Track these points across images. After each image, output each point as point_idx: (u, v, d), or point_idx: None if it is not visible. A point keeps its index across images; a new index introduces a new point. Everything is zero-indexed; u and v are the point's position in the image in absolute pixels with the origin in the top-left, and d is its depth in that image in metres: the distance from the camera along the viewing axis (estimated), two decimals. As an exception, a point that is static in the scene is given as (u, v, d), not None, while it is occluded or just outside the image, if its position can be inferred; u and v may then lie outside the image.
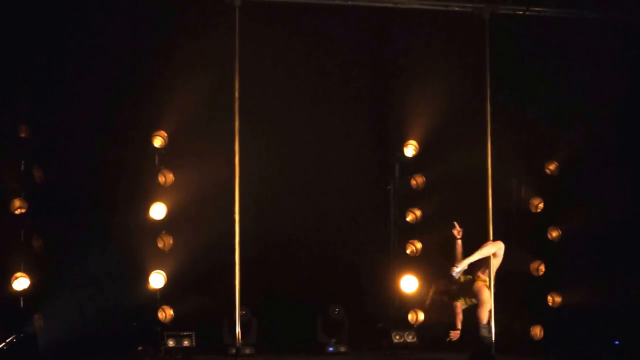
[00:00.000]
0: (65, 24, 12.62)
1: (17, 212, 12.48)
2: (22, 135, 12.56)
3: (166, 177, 12.85)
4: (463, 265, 11.71)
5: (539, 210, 13.83)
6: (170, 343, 12.67)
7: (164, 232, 12.82)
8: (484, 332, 11.71)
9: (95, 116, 12.76)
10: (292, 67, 13.38)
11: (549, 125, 13.75)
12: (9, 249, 12.43)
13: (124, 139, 12.86)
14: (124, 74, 12.79)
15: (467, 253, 11.85)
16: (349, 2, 12.57)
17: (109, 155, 12.82)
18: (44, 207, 12.59)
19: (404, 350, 13.22)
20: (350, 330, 13.40)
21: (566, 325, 13.44)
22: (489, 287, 11.85)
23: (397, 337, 13.33)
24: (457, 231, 11.99)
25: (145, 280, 12.71)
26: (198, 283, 12.87)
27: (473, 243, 11.93)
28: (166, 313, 12.71)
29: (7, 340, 10.86)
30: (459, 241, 11.96)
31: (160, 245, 12.80)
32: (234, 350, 11.94)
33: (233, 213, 11.76)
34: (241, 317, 11.92)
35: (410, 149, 13.75)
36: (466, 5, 12.58)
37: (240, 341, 11.86)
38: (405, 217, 13.70)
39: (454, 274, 11.65)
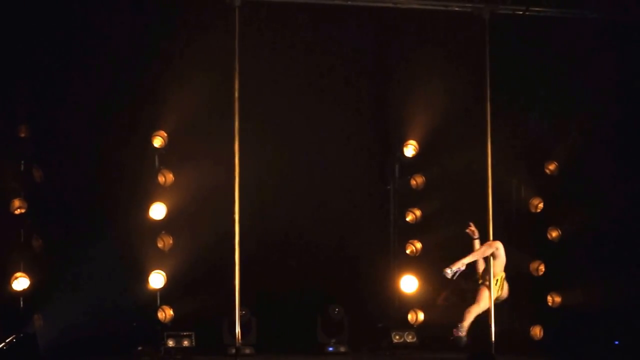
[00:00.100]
0: (65, 23, 12.62)
1: (17, 212, 12.49)
2: (22, 135, 12.57)
3: (166, 177, 12.85)
4: (458, 265, 11.68)
5: (538, 210, 13.83)
6: (170, 343, 12.67)
7: (163, 232, 12.82)
8: (459, 331, 11.66)
9: (95, 116, 12.76)
10: (292, 67, 13.39)
11: (549, 125, 13.75)
12: (8, 249, 12.44)
13: (124, 139, 12.85)
14: (123, 74, 12.79)
15: (467, 254, 11.85)
16: (349, 2, 12.58)
17: (108, 155, 12.81)
18: (43, 207, 12.60)
19: (404, 350, 13.22)
20: (350, 330, 13.40)
21: (566, 325, 13.43)
22: (501, 288, 11.82)
23: (397, 337, 13.34)
24: (472, 230, 11.94)
25: (145, 280, 12.71)
26: (198, 283, 12.87)
27: (472, 244, 11.92)
28: (166, 313, 12.71)
29: (7, 340, 10.85)
30: (477, 241, 11.91)
31: (160, 245, 12.79)
32: (233, 350, 11.94)
33: (233, 213, 11.76)
34: (241, 317, 11.92)
35: (410, 149, 13.75)
36: (466, 5, 12.59)
37: (240, 341, 11.86)
38: (405, 217, 13.70)
39: (446, 275, 11.62)
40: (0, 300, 12.35)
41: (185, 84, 12.67)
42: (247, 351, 12.70)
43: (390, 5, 12.63)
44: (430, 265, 13.26)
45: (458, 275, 11.60)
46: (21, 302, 12.39)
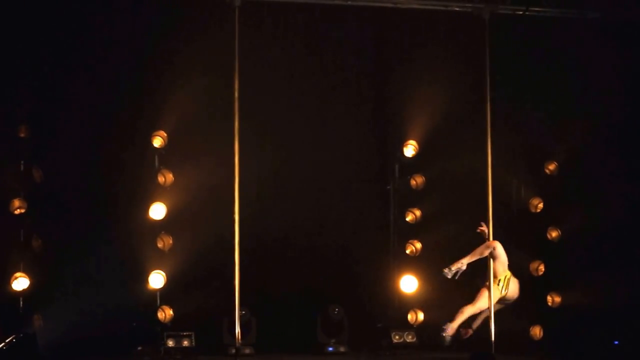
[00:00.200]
0: (65, 23, 12.62)
1: (17, 212, 12.48)
2: (22, 135, 12.55)
3: (166, 177, 12.84)
4: (457, 265, 11.68)
5: (538, 211, 13.82)
6: (170, 343, 12.66)
7: (163, 232, 12.82)
8: (445, 330, 11.67)
9: (95, 116, 12.76)
10: (292, 67, 13.39)
11: (549, 125, 13.75)
12: (8, 249, 12.43)
13: (124, 139, 12.85)
14: (123, 74, 12.79)
15: (467, 254, 11.85)
16: (349, 2, 12.59)
17: (108, 156, 12.81)
18: (43, 207, 12.59)
19: (404, 350, 13.23)
20: (350, 330, 13.40)
21: (566, 325, 13.43)
22: (505, 288, 11.80)
23: (397, 337, 13.34)
24: (483, 230, 11.90)
25: (145, 280, 12.71)
26: (198, 283, 12.86)
27: (473, 243, 11.92)
28: (166, 313, 12.70)
29: (7, 340, 10.85)
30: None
31: (160, 245, 12.79)
32: (233, 350, 11.94)
33: (233, 213, 11.76)
34: (241, 317, 11.92)
35: (410, 149, 13.75)
36: (466, 5, 12.59)
37: (239, 341, 11.87)
38: (405, 217, 13.70)
39: (446, 275, 11.63)
40: (0, 300, 12.34)
41: (185, 84, 12.67)
42: (247, 351, 12.69)
43: (390, 5, 12.64)
44: (430, 265, 13.26)
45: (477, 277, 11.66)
46: (21, 302, 12.38)
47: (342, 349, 13.28)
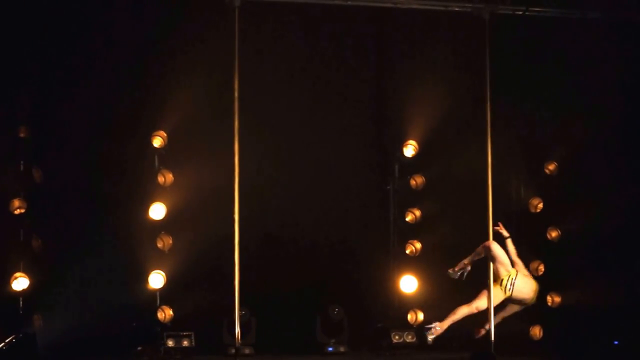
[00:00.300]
0: (65, 24, 12.62)
1: (17, 212, 12.47)
2: (22, 135, 12.55)
3: (166, 177, 12.84)
4: (460, 267, 11.69)
5: (538, 211, 13.83)
6: (170, 343, 12.65)
7: (163, 232, 12.81)
8: (430, 329, 11.67)
9: (95, 116, 12.76)
10: (292, 67, 13.39)
11: (549, 125, 13.74)
12: (8, 249, 12.43)
13: (124, 139, 12.85)
14: (123, 74, 12.79)
15: (468, 254, 11.86)
16: (349, 2, 12.57)
17: (108, 156, 12.81)
18: (43, 207, 12.59)
19: (404, 350, 13.22)
20: (349, 330, 13.40)
21: (566, 325, 13.43)
22: (509, 288, 11.79)
23: (397, 337, 13.33)
24: (499, 230, 11.86)
25: (144, 280, 12.71)
26: (197, 283, 12.87)
27: (472, 244, 11.92)
28: (165, 313, 12.70)
29: (7, 340, 10.86)
30: (509, 240, 11.87)
31: (159, 245, 12.79)
32: (233, 351, 11.92)
33: (233, 213, 11.75)
34: (241, 317, 11.91)
35: (410, 149, 13.74)
36: (466, 5, 12.57)
37: (239, 341, 11.85)
38: (404, 217, 13.69)
39: (451, 276, 11.63)
40: (0, 300, 12.34)
41: (185, 84, 12.67)
42: (247, 351, 12.70)
43: (390, 5, 12.62)
44: (430, 265, 13.27)
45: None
46: (21, 302, 12.37)
47: (342, 349, 13.28)
